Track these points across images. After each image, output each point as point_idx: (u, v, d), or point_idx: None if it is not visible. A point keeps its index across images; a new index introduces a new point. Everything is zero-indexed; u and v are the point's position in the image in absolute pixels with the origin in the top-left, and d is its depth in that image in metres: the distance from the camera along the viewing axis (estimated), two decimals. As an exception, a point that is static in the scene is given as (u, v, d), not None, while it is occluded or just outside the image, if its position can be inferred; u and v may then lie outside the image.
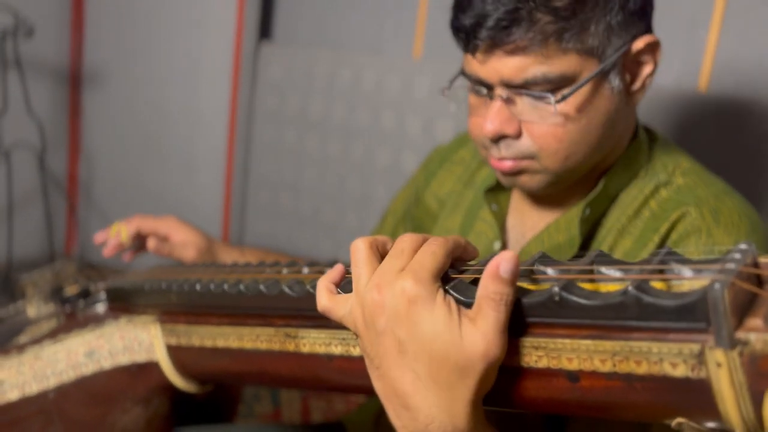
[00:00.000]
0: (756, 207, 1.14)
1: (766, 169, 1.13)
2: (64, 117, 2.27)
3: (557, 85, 0.68)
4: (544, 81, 0.67)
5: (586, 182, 0.77)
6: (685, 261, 0.37)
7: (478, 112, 0.74)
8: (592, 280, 0.41)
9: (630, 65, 0.72)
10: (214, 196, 1.99)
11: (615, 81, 0.70)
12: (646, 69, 0.73)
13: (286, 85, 1.85)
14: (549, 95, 0.67)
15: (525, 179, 0.74)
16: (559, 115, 0.68)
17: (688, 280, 0.36)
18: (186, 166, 2.04)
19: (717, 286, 0.32)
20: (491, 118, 0.70)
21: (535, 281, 0.43)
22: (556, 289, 0.38)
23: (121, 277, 0.85)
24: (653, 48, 0.72)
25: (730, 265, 0.34)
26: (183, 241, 0.97)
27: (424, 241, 0.46)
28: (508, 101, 0.70)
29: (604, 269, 0.38)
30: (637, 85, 0.73)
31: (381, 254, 0.48)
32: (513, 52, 0.67)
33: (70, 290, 0.89)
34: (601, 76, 0.69)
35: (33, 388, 0.74)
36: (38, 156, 2.10)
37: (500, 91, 0.70)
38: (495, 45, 0.67)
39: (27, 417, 0.74)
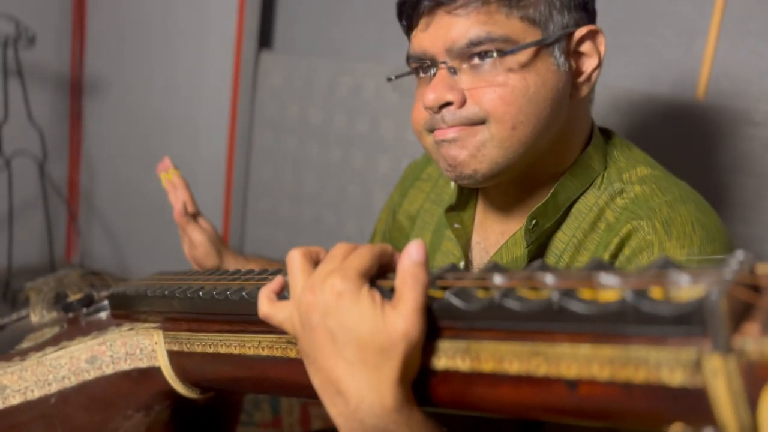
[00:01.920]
0: (754, 214, 1.14)
1: (764, 176, 1.13)
2: (65, 125, 2.28)
3: (500, 46, 0.68)
4: (487, 40, 0.68)
5: (540, 193, 0.77)
6: (683, 268, 0.38)
7: (421, 97, 0.74)
8: (591, 288, 0.41)
9: (574, 53, 0.73)
10: (215, 203, 2.00)
11: (560, 58, 0.71)
12: (591, 62, 0.74)
13: (286, 93, 1.85)
14: (493, 50, 0.68)
15: (465, 156, 0.71)
16: (504, 73, 0.69)
17: (686, 288, 0.36)
18: (186, 174, 2.02)
19: (714, 293, 0.32)
20: (433, 86, 0.71)
21: (534, 288, 0.44)
22: (556, 297, 0.39)
23: (124, 284, 0.85)
24: (596, 39, 0.73)
25: (728, 273, 0.34)
26: (202, 225, 1.03)
27: (355, 248, 0.51)
28: (452, 71, 0.71)
29: (602, 277, 0.39)
30: (583, 77, 0.73)
31: (315, 263, 0.52)
32: (458, 8, 0.68)
33: (74, 297, 0.90)
34: (545, 47, 0.70)
35: (35, 393, 0.74)
36: (39, 164, 2.10)
37: (443, 62, 0.71)
38: (439, 4, 0.69)
39: (29, 422, 0.75)
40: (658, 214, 0.70)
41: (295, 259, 0.52)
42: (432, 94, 0.70)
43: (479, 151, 0.71)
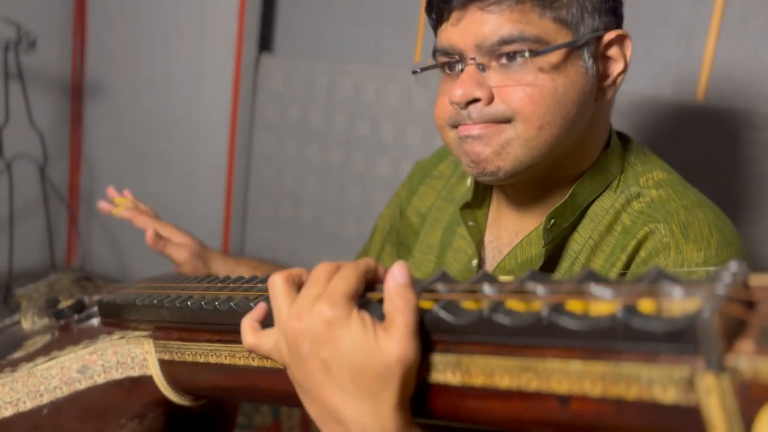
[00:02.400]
0: (755, 217, 1.13)
1: (765, 179, 1.12)
2: (66, 128, 2.28)
3: (532, 46, 0.68)
4: (520, 39, 0.67)
5: (558, 194, 0.76)
6: (676, 281, 0.37)
7: (447, 91, 0.73)
8: (582, 300, 0.40)
9: (602, 56, 0.72)
10: (215, 206, 1.99)
11: (588, 61, 0.70)
12: (617, 66, 0.73)
13: (286, 95, 1.85)
14: (525, 50, 0.67)
15: (488, 152, 0.71)
16: (534, 72, 0.68)
17: (678, 301, 0.35)
18: (187, 177, 2.04)
19: (706, 310, 0.32)
20: (461, 82, 0.70)
21: (525, 300, 0.43)
22: (545, 312, 0.38)
23: (114, 292, 0.84)
24: (623, 44, 0.73)
25: (720, 288, 0.33)
26: (178, 243, 0.99)
27: (338, 268, 0.49)
28: (481, 67, 0.70)
29: (594, 288, 0.38)
30: (609, 81, 0.73)
31: (298, 286, 0.51)
32: (489, 7, 0.67)
33: (65, 303, 0.89)
34: (575, 50, 0.69)
35: (27, 404, 0.74)
36: (40, 167, 2.10)
37: (473, 58, 0.69)
38: (471, 1, 0.68)
39: (21, 433, 0.74)
40: (675, 218, 0.69)
41: (277, 284, 0.50)
42: (460, 90, 0.69)
43: (504, 149, 0.70)
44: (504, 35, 0.67)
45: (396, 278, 0.46)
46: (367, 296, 0.49)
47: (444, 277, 0.49)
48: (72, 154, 2.31)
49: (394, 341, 0.44)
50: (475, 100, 0.70)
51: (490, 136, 0.70)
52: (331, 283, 0.47)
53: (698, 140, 1.17)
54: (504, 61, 0.69)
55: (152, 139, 2.11)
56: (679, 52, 1.24)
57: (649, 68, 1.27)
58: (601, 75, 0.73)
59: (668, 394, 0.34)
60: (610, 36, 0.72)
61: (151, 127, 2.11)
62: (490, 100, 0.69)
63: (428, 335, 0.46)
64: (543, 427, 0.41)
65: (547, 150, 0.70)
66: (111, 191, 1.05)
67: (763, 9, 1.15)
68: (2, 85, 1.96)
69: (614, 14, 0.73)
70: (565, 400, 0.38)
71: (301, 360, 0.47)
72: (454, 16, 0.70)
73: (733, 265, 0.35)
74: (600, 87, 0.73)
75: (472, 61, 0.70)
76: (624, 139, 0.81)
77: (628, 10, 1.18)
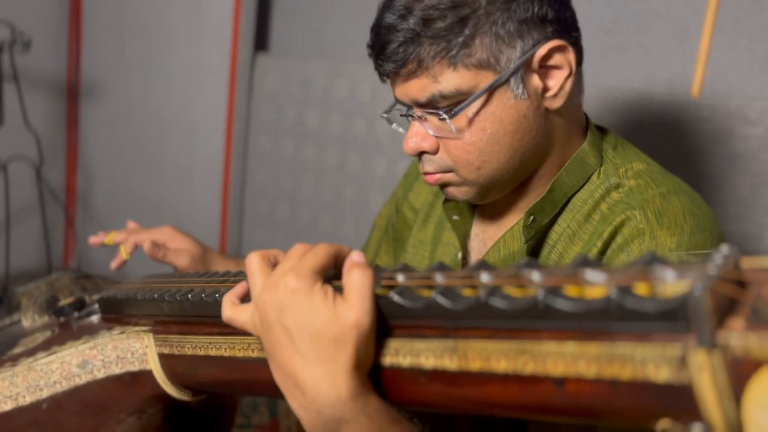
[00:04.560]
0: (749, 212, 1.14)
1: (759, 174, 1.13)
2: (62, 129, 2.28)
3: (455, 100, 0.70)
4: (441, 98, 0.71)
5: (540, 188, 0.78)
6: (668, 264, 0.38)
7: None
8: (576, 285, 0.41)
9: (541, 70, 0.72)
10: (212, 207, 1.99)
11: (517, 89, 0.70)
12: (562, 73, 0.72)
13: (282, 95, 1.85)
14: (441, 112, 0.71)
15: (453, 191, 0.78)
16: (458, 129, 0.71)
17: (671, 284, 0.36)
18: (183, 177, 2.04)
19: (698, 288, 0.32)
20: (409, 136, 0.76)
21: (521, 286, 0.44)
22: (541, 296, 0.38)
23: (114, 288, 0.85)
24: (562, 52, 0.71)
25: (712, 268, 0.34)
26: (178, 248, 1.00)
27: (312, 248, 0.53)
28: (422, 120, 0.74)
29: (588, 274, 0.39)
30: (554, 90, 0.72)
31: (273, 264, 0.55)
32: (409, 76, 0.72)
33: (65, 301, 0.89)
34: (500, 87, 0.70)
35: (26, 399, 0.74)
36: (36, 168, 2.10)
37: (414, 111, 0.74)
38: (395, 72, 0.73)
39: (21, 428, 0.74)
40: (651, 205, 0.71)
41: (254, 261, 0.54)
42: (409, 144, 0.75)
43: (459, 188, 0.77)
44: (428, 96, 0.71)
45: (353, 258, 0.51)
46: (334, 283, 0.52)
47: (440, 267, 0.49)
48: (68, 155, 2.31)
49: (350, 306, 0.48)
50: (424, 152, 0.76)
51: (447, 181, 0.77)
52: (302, 259, 0.51)
53: (693, 136, 1.18)
54: (433, 115, 0.73)
55: (148, 140, 2.11)
56: (674, 48, 1.25)
57: (644, 65, 1.28)
58: (544, 88, 0.72)
59: (661, 373, 0.34)
60: (541, 51, 0.70)
61: (146, 128, 2.11)
62: (436, 150, 0.75)
63: (424, 321, 0.46)
64: (540, 411, 0.42)
65: (498, 176, 0.74)
66: (94, 240, 1.04)
67: (756, 6, 1.16)
68: (-2, 86, 1.96)
69: (544, 25, 0.70)
70: (560, 382, 0.39)
71: (267, 327, 0.51)
72: (390, 81, 0.76)
73: (725, 248, 0.36)
74: (546, 99, 0.73)
75: (414, 116, 0.75)
76: (601, 131, 0.82)
77: (623, 7, 1.18)
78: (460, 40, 0.68)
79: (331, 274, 0.53)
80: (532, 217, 0.75)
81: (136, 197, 2.18)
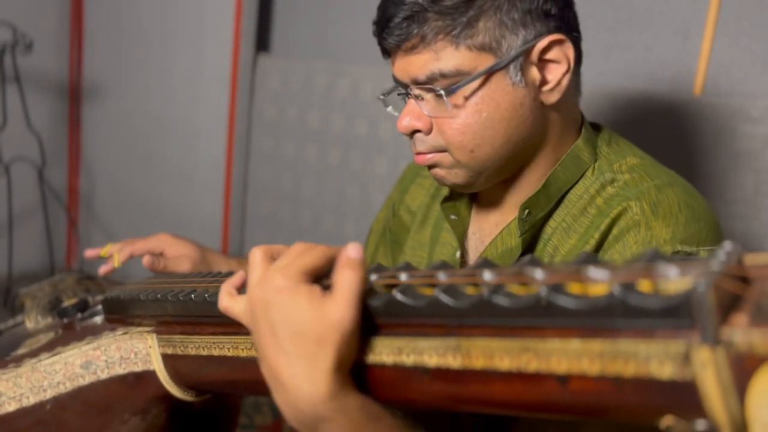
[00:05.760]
0: (753, 211, 1.14)
1: (762, 173, 1.13)
2: (64, 131, 2.28)
3: (454, 80, 0.71)
4: (441, 76, 0.71)
5: (535, 185, 0.79)
6: (671, 261, 0.38)
7: None
8: (579, 282, 0.41)
9: (540, 63, 0.73)
10: (214, 208, 2.00)
11: (515, 76, 0.72)
12: (560, 68, 0.74)
13: (284, 96, 1.85)
14: (440, 90, 0.72)
15: (442, 173, 0.78)
16: (454, 107, 0.72)
17: (674, 281, 0.36)
18: (185, 178, 2.05)
19: (701, 284, 0.32)
20: (403, 115, 0.76)
21: (523, 284, 0.44)
22: (544, 293, 0.38)
23: (118, 289, 0.85)
24: (562, 46, 0.73)
25: (715, 264, 0.34)
26: (177, 255, 1.00)
27: (312, 248, 0.54)
28: (419, 99, 0.75)
29: (591, 271, 0.39)
30: (551, 84, 0.74)
31: (274, 260, 0.55)
32: (410, 51, 0.73)
33: (68, 302, 0.90)
34: (499, 71, 0.71)
35: (30, 400, 0.74)
36: (38, 170, 2.11)
37: (412, 89, 0.75)
38: (397, 46, 0.74)
39: (25, 429, 0.74)
40: (646, 197, 0.72)
41: (256, 255, 0.55)
42: (403, 122, 0.76)
43: (450, 170, 0.77)
44: (427, 74, 0.72)
45: (348, 252, 0.50)
46: (326, 283, 0.52)
47: (443, 265, 0.50)
48: (70, 156, 2.32)
49: (336, 305, 0.48)
50: (417, 131, 0.76)
51: (438, 161, 0.77)
52: (297, 258, 0.52)
53: (696, 135, 1.18)
54: (433, 94, 0.73)
55: (150, 141, 2.12)
56: (676, 47, 1.25)
57: (647, 64, 1.28)
58: (542, 81, 0.74)
59: (665, 370, 0.34)
60: (542, 44, 0.72)
61: (149, 129, 2.11)
62: (430, 130, 0.75)
63: (428, 320, 0.46)
64: (543, 409, 0.42)
65: (490, 163, 0.75)
66: (90, 253, 1.04)
67: (758, 4, 1.16)
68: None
69: (547, 19, 0.72)
70: (564, 380, 0.39)
71: (255, 322, 0.52)
72: (391, 56, 0.76)
73: (728, 244, 0.36)
74: (543, 92, 0.74)
75: (411, 94, 0.75)
76: (595, 128, 0.83)
77: (625, 6, 1.18)
78: (464, 19, 0.70)
79: (325, 274, 0.53)
80: (527, 211, 0.76)
81: (138, 198, 2.18)
